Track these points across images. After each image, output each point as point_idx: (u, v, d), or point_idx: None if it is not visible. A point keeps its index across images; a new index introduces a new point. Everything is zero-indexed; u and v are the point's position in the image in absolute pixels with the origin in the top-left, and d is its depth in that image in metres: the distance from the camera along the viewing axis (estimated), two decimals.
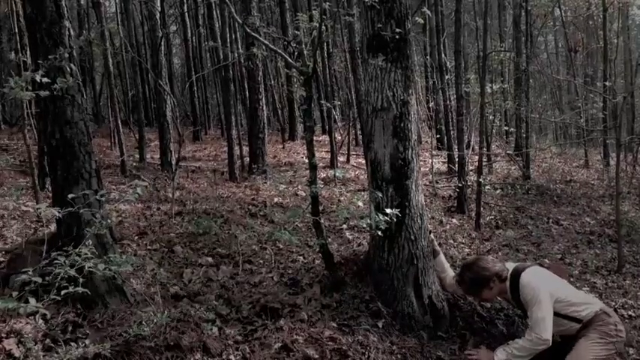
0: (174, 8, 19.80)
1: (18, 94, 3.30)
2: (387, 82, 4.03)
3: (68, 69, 3.71)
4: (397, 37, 3.99)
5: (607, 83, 12.40)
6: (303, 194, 8.05)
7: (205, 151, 13.79)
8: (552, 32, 24.08)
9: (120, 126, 10.32)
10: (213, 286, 4.40)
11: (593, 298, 3.65)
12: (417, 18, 5.95)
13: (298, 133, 16.18)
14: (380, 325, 3.84)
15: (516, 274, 3.58)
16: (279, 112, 17.28)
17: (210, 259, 5.04)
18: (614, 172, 7.79)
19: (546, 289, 3.42)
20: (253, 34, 4.94)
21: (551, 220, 8.00)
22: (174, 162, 9.07)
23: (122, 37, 15.01)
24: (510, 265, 3.74)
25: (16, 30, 7.64)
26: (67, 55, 3.64)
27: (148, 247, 5.14)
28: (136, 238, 5.37)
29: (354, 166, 11.28)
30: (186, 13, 17.08)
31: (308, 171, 9.43)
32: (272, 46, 4.64)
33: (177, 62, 27.76)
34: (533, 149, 12.64)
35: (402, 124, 4.02)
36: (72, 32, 3.93)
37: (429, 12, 6.10)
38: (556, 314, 3.42)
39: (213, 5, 13.01)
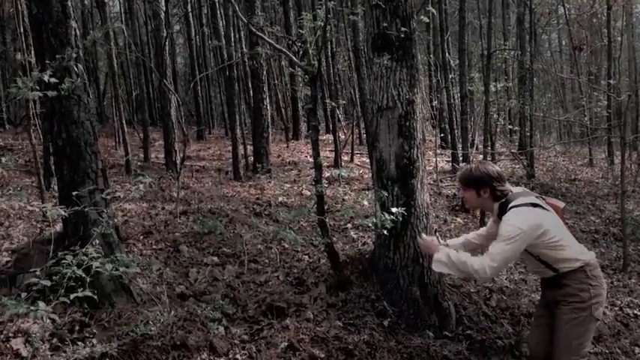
0: (178, 8, 19.81)
1: (26, 94, 3.31)
2: (392, 81, 4.03)
3: (75, 69, 3.71)
4: (402, 35, 3.99)
5: (611, 81, 12.37)
6: (308, 193, 8.06)
7: (209, 150, 13.81)
8: (556, 30, 24.03)
9: (124, 125, 10.32)
10: (218, 286, 4.41)
11: (581, 251, 3.24)
12: (422, 17, 5.94)
13: (302, 132, 16.18)
14: (386, 324, 3.84)
15: (507, 203, 3.25)
16: (283, 111, 17.28)
17: (215, 259, 5.05)
18: (618, 171, 7.77)
19: (526, 237, 3.06)
20: (258, 33, 4.96)
21: None
22: (178, 161, 9.09)
23: (126, 36, 15.03)
24: (516, 190, 3.39)
25: (22, 30, 7.65)
26: (74, 55, 3.65)
27: (154, 247, 5.15)
28: (142, 237, 5.37)
29: (358, 165, 11.28)
30: (190, 13, 17.08)
31: (312, 170, 9.42)
32: (277, 46, 4.64)
33: (181, 62, 27.78)
34: (538, 148, 12.62)
35: (407, 123, 4.02)
36: (78, 32, 3.94)
37: (434, 10, 6.11)
38: (532, 255, 3.21)
39: (217, 5, 13.02)
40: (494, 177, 3.25)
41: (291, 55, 4.56)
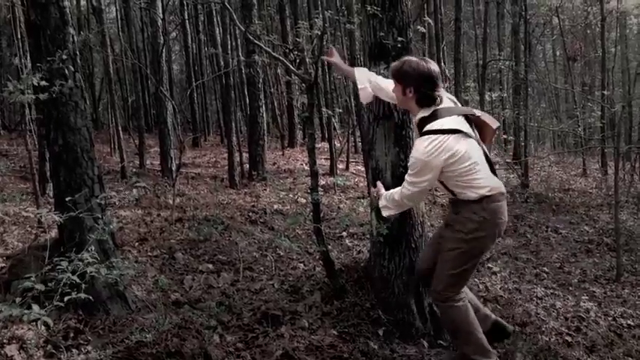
0: (175, 15, 19.85)
1: (18, 97, 3.32)
2: None
3: (71, 74, 3.72)
4: (399, 45, 4.02)
5: (605, 92, 12.47)
6: (303, 201, 8.07)
7: (205, 157, 13.80)
8: (550, 41, 24.19)
9: (120, 132, 10.33)
10: (214, 293, 4.41)
11: (488, 184, 3.07)
12: (418, 26, 5.98)
13: (297, 140, 16.20)
14: (380, 333, 3.84)
15: (429, 120, 3.04)
16: (279, 118, 17.31)
17: (210, 266, 5.05)
18: (612, 181, 7.82)
19: (430, 166, 2.95)
20: (255, 41, 4.98)
21: (549, 229, 8.02)
22: (174, 168, 9.08)
23: (123, 42, 15.04)
24: (446, 103, 3.13)
25: (19, 36, 7.66)
26: (66, 58, 3.65)
27: (149, 254, 5.14)
28: (137, 244, 5.37)
29: (353, 173, 11.30)
30: (187, 21, 17.12)
31: (308, 178, 9.43)
32: (274, 54, 4.67)
33: (177, 68, 27.81)
34: (532, 157, 12.68)
35: (403, 132, 4.04)
36: (76, 39, 3.95)
37: (430, 20, 6.17)
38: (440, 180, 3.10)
39: (214, 12, 13.08)
40: (425, 77, 3.02)
41: (288, 63, 4.59)
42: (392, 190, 3.29)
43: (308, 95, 4.22)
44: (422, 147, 2.97)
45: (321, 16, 4.58)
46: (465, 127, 3.06)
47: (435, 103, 3.06)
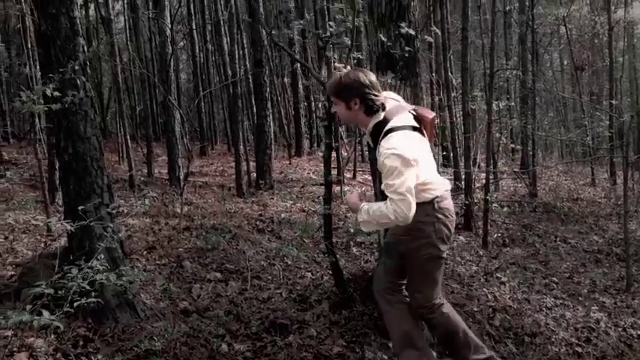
0: (182, 24, 19.97)
1: (31, 107, 3.35)
2: None
3: (81, 84, 3.75)
4: (407, 55, 4.04)
5: (613, 101, 12.43)
6: (311, 210, 8.07)
7: (212, 166, 13.84)
8: (557, 50, 24.18)
9: (128, 140, 10.38)
10: (222, 302, 4.41)
11: (437, 182, 3.00)
12: (426, 36, 6.00)
13: (304, 149, 16.22)
14: (388, 342, 3.83)
15: (384, 123, 2.95)
16: (286, 127, 17.35)
17: (218, 275, 5.05)
18: (621, 191, 7.79)
19: (407, 163, 2.78)
20: (280, 44, 5.01)
21: (558, 239, 7.98)
22: (182, 177, 9.11)
23: (131, 52, 15.14)
24: (391, 103, 3.06)
25: (29, 45, 7.73)
26: (78, 68, 3.68)
27: (157, 262, 5.15)
28: (145, 252, 5.38)
29: (360, 182, 11.30)
30: (195, 30, 17.22)
31: (315, 187, 9.45)
32: (298, 58, 4.69)
33: (184, 77, 27.96)
34: (540, 167, 12.64)
35: None
36: (85, 49, 3.98)
37: (438, 30, 6.18)
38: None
39: (222, 22, 13.14)
40: (366, 84, 2.91)
41: (310, 67, 4.61)
42: (375, 204, 2.97)
43: (328, 101, 4.24)
44: (391, 143, 2.83)
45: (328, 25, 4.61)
46: (414, 123, 3.03)
47: (383, 108, 2.98)
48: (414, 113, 3.07)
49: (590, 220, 9.31)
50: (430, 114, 3.09)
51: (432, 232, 3.01)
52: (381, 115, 2.99)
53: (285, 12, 13.09)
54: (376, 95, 2.95)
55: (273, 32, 5.95)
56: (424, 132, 3.07)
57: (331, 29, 4.27)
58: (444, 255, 3.13)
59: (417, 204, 2.85)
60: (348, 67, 3.60)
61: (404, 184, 2.77)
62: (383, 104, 2.98)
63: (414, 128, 2.98)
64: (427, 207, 2.99)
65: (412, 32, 4.06)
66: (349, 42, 4.22)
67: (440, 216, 3.02)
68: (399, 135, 2.87)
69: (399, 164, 2.77)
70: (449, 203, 3.08)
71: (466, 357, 3.30)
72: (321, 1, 13.72)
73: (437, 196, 3.01)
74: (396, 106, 3.05)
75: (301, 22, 4.73)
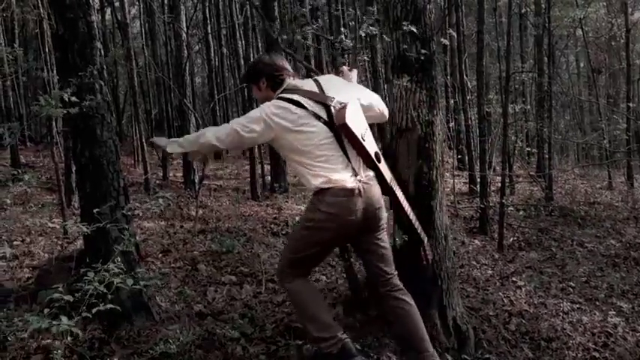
0: (198, 28, 20.10)
1: (49, 111, 3.39)
2: (411, 103, 4.04)
3: (97, 86, 3.78)
4: (422, 57, 4.01)
5: (630, 104, 12.29)
6: None
7: (227, 169, 13.90)
8: (574, 53, 23.97)
9: (144, 144, 10.45)
10: (236, 305, 4.41)
11: (326, 175, 2.97)
12: (441, 39, 5.97)
13: None
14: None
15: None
16: None
17: (233, 278, 5.06)
18: (638, 194, 7.69)
19: (266, 121, 2.96)
20: (287, 50, 5.02)
21: (575, 243, 7.89)
22: (197, 180, 9.15)
23: (147, 56, 15.26)
24: (302, 82, 3.23)
25: (46, 49, 7.82)
26: (96, 73, 3.72)
27: (172, 265, 5.18)
28: (160, 255, 5.42)
29: None
30: (210, 34, 17.32)
31: None
32: (305, 63, 4.72)
33: (199, 81, 28.12)
34: (556, 170, 12.53)
35: (426, 145, 4.02)
36: (102, 52, 4.01)
37: (454, 33, 6.15)
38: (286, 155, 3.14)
39: (237, 26, 13.22)
40: (271, 64, 3.19)
41: (317, 71, 4.62)
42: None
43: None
44: (269, 105, 3.02)
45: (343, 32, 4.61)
46: (317, 109, 3.04)
47: (285, 83, 3.16)
48: (330, 104, 3.06)
49: (607, 223, 9.19)
50: (341, 120, 2.99)
51: (311, 220, 3.09)
52: (283, 87, 3.16)
53: (299, 16, 13.12)
54: (281, 74, 3.17)
55: (284, 37, 5.95)
56: (336, 123, 3.04)
57: (342, 36, 4.28)
58: (322, 249, 3.19)
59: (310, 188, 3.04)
60: (355, 70, 3.72)
61: (244, 126, 2.99)
62: (286, 79, 3.17)
63: (303, 107, 3.01)
64: (313, 196, 3.07)
65: (428, 34, 4.05)
66: (351, 44, 4.23)
67: (323, 209, 3.00)
68: (280, 104, 3.02)
69: (257, 117, 2.98)
70: (342, 202, 2.99)
71: (310, 331, 3.21)
72: (335, 9, 13.74)
73: (322, 188, 2.99)
74: (304, 91, 3.11)
75: (313, 27, 4.69)
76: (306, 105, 3.00)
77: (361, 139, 3.04)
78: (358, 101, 3.15)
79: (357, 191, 3.00)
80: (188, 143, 3.20)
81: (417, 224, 3.57)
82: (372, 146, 3.15)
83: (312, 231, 3.09)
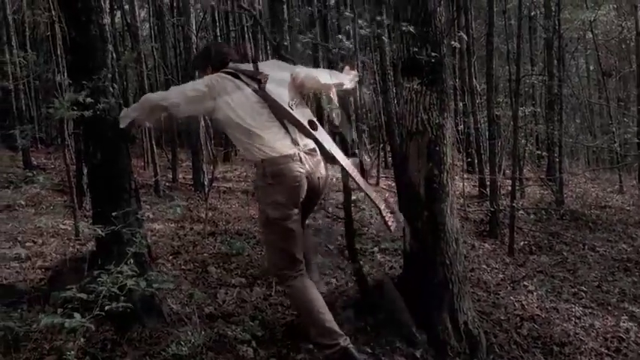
0: (207, 31, 20.15)
1: (63, 113, 3.42)
2: (422, 106, 4.03)
3: (111, 89, 3.80)
4: (433, 60, 4.01)
5: None
6: (334, 216, 8.04)
7: (236, 171, 13.90)
8: (584, 56, 23.83)
9: (153, 146, 10.48)
10: (246, 307, 4.41)
11: (270, 146, 3.14)
12: (452, 42, 5.96)
13: None
14: (414, 350, 3.80)
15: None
16: None
17: (243, 280, 5.06)
18: None
19: (208, 85, 3.27)
20: (286, 55, 5.01)
21: (586, 247, 7.85)
22: (206, 182, 9.17)
23: (156, 58, 15.32)
24: (239, 65, 3.49)
25: (57, 53, 7.87)
26: (109, 76, 3.74)
27: (182, 267, 5.19)
28: (171, 257, 5.43)
29: (383, 188, 11.24)
30: (219, 37, 17.36)
31: (337, 193, 9.38)
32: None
33: None
34: (566, 174, 12.46)
35: (437, 148, 4.02)
36: (114, 55, 4.03)
37: (464, 35, 6.14)
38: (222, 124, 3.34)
39: (245, 28, 13.23)
40: (213, 50, 3.55)
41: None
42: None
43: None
44: (211, 76, 3.35)
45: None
46: (249, 81, 3.26)
47: (226, 65, 3.42)
48: (259, 77, 3.27)
49: (619, 227, 9.14)
50: (262, 88, 3.27)
51: (261, 196, 3.26)
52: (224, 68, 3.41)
53: (295, 24, 13.16)
54: (223, 59, 3.45)
55: (285, 44, 5.97)
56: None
57: (343, 37, 4.35)
58: (285, 223, 3.17)
59: (252, 162, 3.27)
60: (355, 71, 3.88)
61: (180, 88, 3.44)
62: (225, 60, 3.44)
63: (237, 77, 3.30)
64: (258, 169, 3.21)
65: (438, 37, 4.04)
66: (351, 45, 4.27)
67: (270, 181, 3.14)
68: (216, 74, 3.35)
69: (200, 79, 3.37)
70: (288, 168, 3.13)
71: (311, 336, 3.31)
72: (331, 18, 13.75)
73: (265, 159, 3.13)
74: (244, 65, 3.43)
75: (309, 35, 4.70)
76: (240, 77, 3.27)
77: (287, 107, 3.24)
78: (291, 76, 3.38)
79: (296, 157, 3.16)
80: (132, 110, 3.55)
81: (369, 190, 3.59)
82: (303, 115, 3.32)
83: (269, 209, 3.18)
